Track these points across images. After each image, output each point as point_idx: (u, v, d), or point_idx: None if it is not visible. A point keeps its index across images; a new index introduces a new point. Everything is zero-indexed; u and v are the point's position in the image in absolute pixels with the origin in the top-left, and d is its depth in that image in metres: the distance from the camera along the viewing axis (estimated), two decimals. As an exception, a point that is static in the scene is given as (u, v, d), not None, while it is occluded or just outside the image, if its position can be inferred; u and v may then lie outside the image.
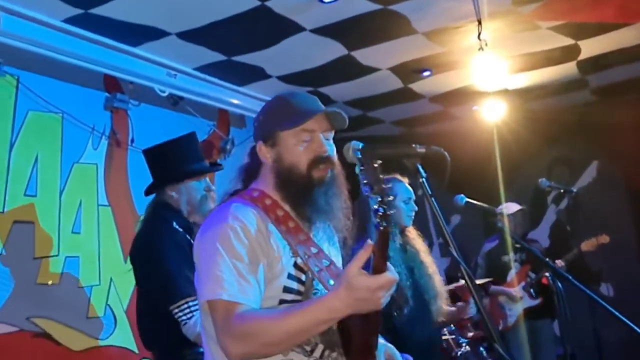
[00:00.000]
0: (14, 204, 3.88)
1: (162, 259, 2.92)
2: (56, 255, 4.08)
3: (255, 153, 2.03)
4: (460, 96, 6.44)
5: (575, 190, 5.50)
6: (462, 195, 3.94)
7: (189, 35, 4.43)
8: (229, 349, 1.72)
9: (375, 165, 1.81)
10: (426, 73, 5.76)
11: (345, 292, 1.64)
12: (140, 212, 4.68)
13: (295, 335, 1.72)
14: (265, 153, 1.99)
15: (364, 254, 1.67)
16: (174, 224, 3.05)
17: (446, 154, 2.02)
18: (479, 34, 4.83)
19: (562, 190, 5.52)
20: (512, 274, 5.65)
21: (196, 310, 2.76)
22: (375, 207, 1.70)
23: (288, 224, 1.93)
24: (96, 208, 4.43)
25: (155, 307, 2.99)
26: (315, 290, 1.90)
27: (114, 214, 4.54)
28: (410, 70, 5.65)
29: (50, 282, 4.03)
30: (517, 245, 5.04)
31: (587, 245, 5.46)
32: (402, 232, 3.47)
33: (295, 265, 1.89)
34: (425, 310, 3.40)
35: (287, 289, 1.86)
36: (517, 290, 5.58)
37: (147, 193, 3.35)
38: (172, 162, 3.25)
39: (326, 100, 6.12)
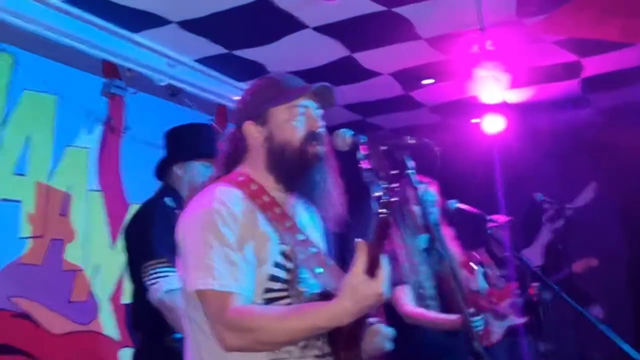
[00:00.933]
0: (2, 181, 3.84)
1: (146, 226, 2.92)
2: (41, 237, 4.03)
3: (237, 137, 1.99)
4: (460, 107, 6.42)
5: (570, 207, 5.47)
6: (454, 200, 3.92)
7: (190, 25, 4.40)
8: (226, 340, 1.69)
9: (381, 149, 1.80)
10: (428, 81, 5.73)
11: (350, 303, 1.61)
12: (131, 200, 4.65)
13: (292, 337, 1.71)
14: (255, 132, 1.94)
15: (361, 256, 1.62)
16: (166, 200, 3.06)
17: (436, 147, 2.00)
18: (481, 44, 4.81)
19: (557, 207, 5.50)
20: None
21: (164, 276, 2.73)
22: (379, 193, 1.65)
23: (274, 210, 1.88)
24: (86, 192, 4.39)
25: (138, 283, 2.97)
26: (300, 278, 1.86)
27: (105, 199, 4.50)
28: (411, 77, 5.63)
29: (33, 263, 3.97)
30: (504, 255, 4.99)
31: (577, 266, 5.42)
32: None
33: (282, 253, 1.84)
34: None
35: (273, 278, 1.82)
36: (503, 306, 5.52)
37: (158, 171, 3.29)
38: (188, 141, 3.25)
39: (326, 102, 6.08)
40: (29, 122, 4.04)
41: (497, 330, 5.53)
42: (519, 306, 5.33)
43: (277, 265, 1.82)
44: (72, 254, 4.21)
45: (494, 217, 4.87)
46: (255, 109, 1.95)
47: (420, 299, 3.45)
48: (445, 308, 3.41)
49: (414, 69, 5.43)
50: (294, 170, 1.91)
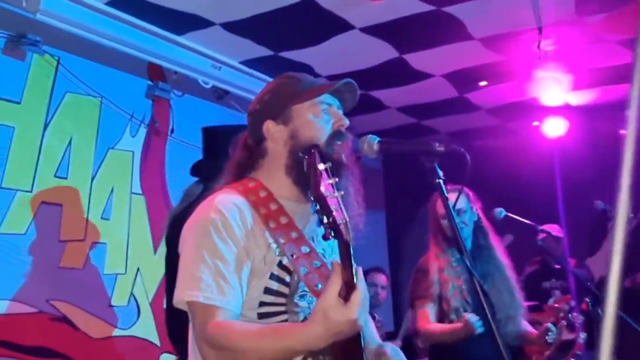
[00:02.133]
0: (43, 184, 3.85)
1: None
2: (82, 240, 4.03)
3: (254, 139, 1.87)
4: (520, 110, 6.17)
5: (636, 217, 5.16)
6: (501, 208, 3.74)
7: (234, 27, 4.33)
8: (204, 355, 1.63)
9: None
10: (483, 83, 5.53)
11: (321, 328, 1.48)
12: (175, 203, 4.61)
13: (268, 359, 1.59)
14: (275, 132, 1.81)
15: (335, 277, 1.49)
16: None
17: (466, 154, 1.85)
18: (539, 43, 4.58)
19: (620, 215, 5.19)
20: (551, 302, 5.35)
21: None
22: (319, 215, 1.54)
23: (279, 220, 1.75)
24: (129, 196, 4.37)
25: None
26: (303, 292, 1.74)
27: (147, 203, 4.47)
28: (465, 79, 5.43)
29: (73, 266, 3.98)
30: (557, 267, 4.74)
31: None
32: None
33: (280, 265, 1.72)
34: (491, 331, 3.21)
35: (268, 290, 1.71)
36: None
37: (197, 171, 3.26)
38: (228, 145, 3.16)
39: (378, 104, 5.96)
40: (71, 125, 4.05)
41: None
42: (573, 320, 5.08)
43: (273, 277, 1.71)
44: (113, 258, 4.20)
45: (546, 227, 4.64)
46: (276, 107, 1.82)
47: (443, 315, 3.30)
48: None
49: (468, 70, 5.23)
50: None
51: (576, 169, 6.30)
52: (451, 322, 3.26)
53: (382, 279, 5.44)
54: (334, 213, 1.52)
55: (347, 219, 1.54)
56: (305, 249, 1.75)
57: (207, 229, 1.68)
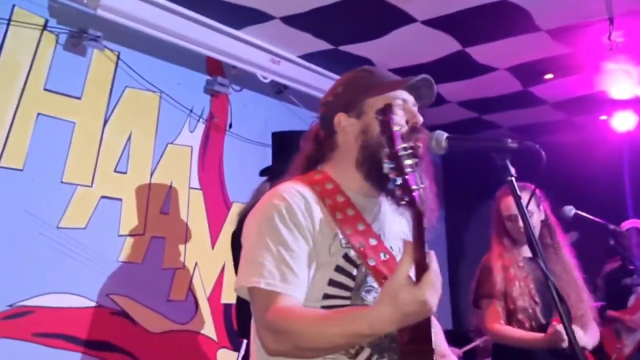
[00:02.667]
0: (103, 179, 3.87)
1: None
2: (142, 234, 4.04)
3: (325, 132, 1.82)
4: (587, 104, 5.94)
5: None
6: (570, 206, 3.59)
7: (293, 21, 4.28)
8: (265, 343, 1.57)
9: None
10: (548, 76, 5.34)
11: (390, 309, 1.41)
12: (234, 198, 4.61)
13: (332, 344, 1.52)
14: (347, 125, 1.77)
15: (406, 256, 1.43)
16: None
17: (541, 150, 1.74)
18: (610, 35, 4.38)
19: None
20: (632, 300, 5.17)
21: None
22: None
23: (346, 212, 1.70)
24: (187, 191, 4.37)
25: None
26: (369, 287, 1.67)
27: (205, 198, 4.47)
28: (530, 72, 5.25)
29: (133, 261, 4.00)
30: (631, 267, 4.57)
31: None
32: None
33: (346, 257, 1.66)
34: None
35: (332, 282, 1.64)
36: (635, 318, 5.10)
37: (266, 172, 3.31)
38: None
39: (438, 99, 5.80)
40: (131, 120, 4.06)
41: (629, 343, 5.14)
42: None
43: (339, 269, 1.65)
44: (172, 253, 4.21)
45: (623, 224, 4.48)
46: (349, 100, 1.78)
47: (510, 315, 3.18)
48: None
49: (534, 63, 5.05)
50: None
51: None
52: (519, 322, 3.14)
53: None
54: (408, 176, 1.45)
55: (422, 187, 1.48)
56: (372, 241, 1.69)
57: (271, 215, 1.64)
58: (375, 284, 1.67)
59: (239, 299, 3.02)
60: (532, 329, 3.13)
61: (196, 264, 4.34)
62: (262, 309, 1.56)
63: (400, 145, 1.48)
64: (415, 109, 1.78)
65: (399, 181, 1.46)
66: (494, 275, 3.22)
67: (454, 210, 7.22)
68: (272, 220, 1.63)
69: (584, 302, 3.19)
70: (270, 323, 1.54)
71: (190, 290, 4.30)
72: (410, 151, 1.50)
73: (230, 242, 3.30)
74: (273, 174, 3.22)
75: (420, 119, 1.77)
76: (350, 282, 1.65)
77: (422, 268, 1.43)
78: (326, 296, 1.64)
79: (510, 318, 3.19)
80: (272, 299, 1.56)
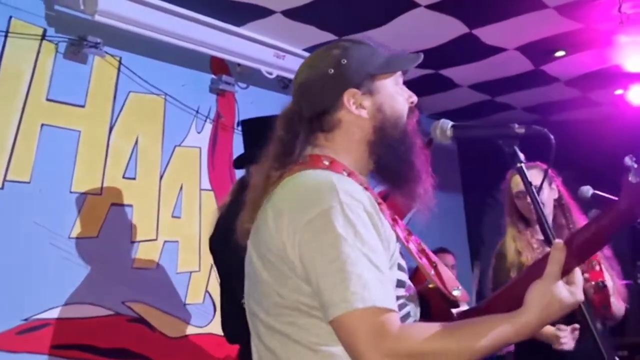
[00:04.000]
0: (112, 186, 3.84)
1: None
2: (154, 240, 4.01)
3: (307, 116, 1.60)
4: (601, 79, 5.82)
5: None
6: (588, 186, 3.49)
7: (295, 14, 4.21)
8: None
9: None
10: (560, 53, 5.23)
11: (547, 313, 1.36)
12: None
13: (477, 356, 1.35)
14: (362, 101, 1.59)
15: (558, 259, 1.38)
16: None
17: (551, 135, 1.67)
18: (620, 7, 4.27)
19: None
20: None
21: None
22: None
23: (376, 202, 1.52)
24: (198, 192, 4.33)
25: (234, 295, 2.84)
26: (410, 283, 1.58)
27: (217, 199, 4.42)
28: (541, 51, 5.15)
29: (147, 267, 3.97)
30: None
31: None
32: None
33: (401, 252, 1.55)
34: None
35: (399, 283, 1.50)
36: None
37: (240, 164, 3.14)
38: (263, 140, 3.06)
39: (449, 83, 5.73)
40: (136, 125, 4.02)
41: None
42: None
43: (400, 268, 1.54)
44: (186, 256, 4.18)
45: None
46: (360, 75, 1.59)
47: None
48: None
49: (543, 41, 4.95)
50: (403, 150, 1.60)
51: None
52: None
53: (450, 258, 5.53)
54: None
55: None
56: (404, 232, 1.59)
57: (347, 216, 1.37)
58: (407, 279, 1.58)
59: (227, 301, 2.96)
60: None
61: (212, 266, 4.28)
62: (376, 333, 1.29)
63: None
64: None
65: None
66: (507, 261, 3.14)
67: (473, 194, 7.15)
68: (350, 222, 1.37)
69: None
70: (398, 349, 1.29)
71: (208, 292, 4.26)
72: None
73: (210, 247, 3.14)
74: (250, 163, 2.98)
75: (416, 98, 1.68)
76: (406, 279, 1.55)
77: (568, 269, 1.40)
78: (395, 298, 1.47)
79: None
80: (386, 318, 1.31)
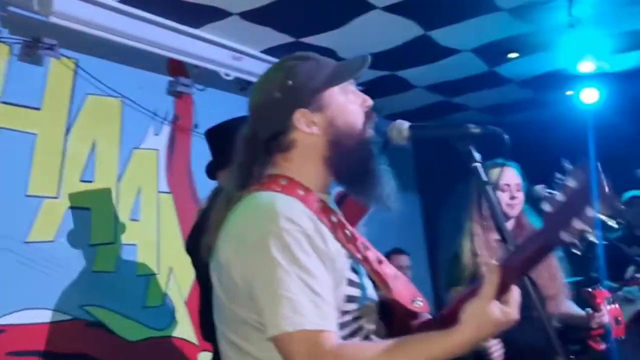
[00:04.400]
0: (69, 189, 3.80)
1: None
2: (112, 243, 3.98)
3: (262, 138, 1.64)
4: (552, 80, 5.96)
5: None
6: (541, 185, 3.58)
7: (252, 16, 4.22)
8: None
9: None
10: (513, 55, 5.34)
11: (479, 332, 1.39)
12: (204, 199, 4.54)
13: None
14: (312, 120, 1.61)
15: (493, 279, 1.40)
16: None
17: (505, 135, 1.71)
18: (570, 9, 4.38)
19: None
20: (630, 271, 5.23)
21: None
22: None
23: (331, 218, 1.58)
24: (156, 195, 4.31)
25: (207, 296, 2.86)
26: (365, 292, 1.60)
27: (175, 201, 4.41)
28: (495, 52, 5.25)
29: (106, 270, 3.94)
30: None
31: None
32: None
33: (352, 268, 1.58)
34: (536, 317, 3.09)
35: (349, 298, 1.55)
36: (632, 290, 5.16)
37: (211, 173, 3.19)
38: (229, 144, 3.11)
39: (405, 84, 5.80)
40: (94, 127, 3.99)
41: (623, 314, 5.21)
42: None
43: (351, 283, 1.56)
44: (145, 259, 4.15)
45: None
46: (306, 94, 1.61)
47: None
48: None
49: (497, 43, 5.04)
50: (360, 157, 1.63)
51: (613, 137, 6.10)
52: None
53: (405, 259, 5.50)
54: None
55: None
56: (363, 246, 1.63)
57: (284, 241, 1.43)
58: (369, 284, 1.63)
59: (203, 302, 2.99)
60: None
61: (171, 268, 4.28)
62: (312, 354, 1.37)
63: None
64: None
65: None
66: (461, 263, 3.14)
67: (429, 193, 7.23)
68: (287, 247, 1.42)
69: (557, 280, 3.18)
70: None
71: (167, 295, 4.25)
72: None
73: (188, 248, 3.19)
74: (219, 170, 3.09)
75: (371, 101, 1.70)
76: (359, 293, 1.58)
77: (505, 289, 1.42)
78: (343, 313, 1.54)
79: None
80: (320, 339, 1.38)
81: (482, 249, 3.14)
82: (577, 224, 1.37)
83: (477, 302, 1.39)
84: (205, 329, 3.11)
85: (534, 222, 3.44)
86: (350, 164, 1.63)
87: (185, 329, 4.27)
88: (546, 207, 1.47)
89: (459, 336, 1.38)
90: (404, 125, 1.71)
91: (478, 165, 1.70)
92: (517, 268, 1.43)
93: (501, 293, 1.40)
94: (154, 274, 4.19)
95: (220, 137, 3.14)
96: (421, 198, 7.32)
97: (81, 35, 3.78)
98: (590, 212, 1.36)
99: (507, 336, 3.00)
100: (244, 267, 1.47)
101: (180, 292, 4.30)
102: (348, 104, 1.65)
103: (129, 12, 3.93)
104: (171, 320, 4.22)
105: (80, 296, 3.76)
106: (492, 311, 1.37)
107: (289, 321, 1.37)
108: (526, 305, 1.66)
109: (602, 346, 3.26)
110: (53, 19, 3.58)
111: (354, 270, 1.59)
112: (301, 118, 1.61)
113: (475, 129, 1.68)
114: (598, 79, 5.81)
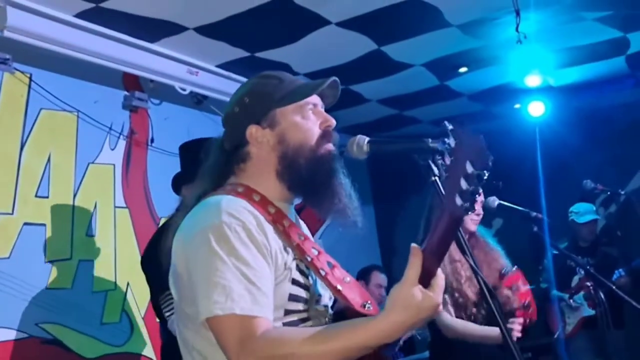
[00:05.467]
0: (24, 205, 3.75)
1: (160, 255, 2.80)
2: (69, 259, 3.94)
3: (226, 148, 1.76)
4: (501, 94, 6.13)
5: (623, 193, 5.18)
6: (494, 197, 3.69)
7: (208, 30, 4.24)
8: None
9: None
10: (463, 69, 5.48)
11: (404, 316, 1.39)
12: (161, 214, 4.54)
13: None
14: (261, 136, 1.71)
15: (415, 262, 1.41)
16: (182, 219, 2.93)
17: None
18: (517, 26, 4.52)
19: (609, 193, 5.24)
20: (576, 279, 5.39)
21: None
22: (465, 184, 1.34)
23: (283, 223, 1.65)
24: (113, 210, 4.28)
25: (160, 314, 2.88)
26: (319, 296, 1.67)
27: (132, 216, 4.39)
28: (445, 67, 5.38)
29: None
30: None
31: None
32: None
33: (299, 269, 1.63)
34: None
35: (292, 297, 1.60)
36: (576, 298, 5.32)
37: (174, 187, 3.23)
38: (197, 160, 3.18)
39: (359, 98, 5.89)
40: (49, 142, 3.96)
41: (572, 322, 5.33)
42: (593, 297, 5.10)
43: (295, 282, 1.62)
44: (102, 275, 4.12)
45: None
46: (259, 110, 1.73)
47: (458, 308, 3.19)
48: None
49: (448, 57, 5.17)
50: (311, 173, 1.70)
51: (559, 148, 6.30)
52: (471, 315, 3.15)
53: (384, 278, 5.29)
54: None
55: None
56: (315, 251, 1.67)
57: (224, 233, 1.51)
58: (326, 293, 1.69)
59: (161, 324, 3.00)
60: (481, 324, 3.16)
61: (128, 283, 4.25)
62: (243, 337, 1.43)
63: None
64: (323, 110, 1.78)
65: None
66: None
67: (384, 204, 7.32)
68: (227, 239, 1.51)
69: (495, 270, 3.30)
70: (260, 350, 1.42)
71: (124, 311, 4.22)
72: None
73: (145, 261, 3.21)
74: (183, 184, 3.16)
75: (333, 122, 1.76)
76: (306, 294, 1.63)
77: (430, 274, 1.42)
78: (287, 312, 1.60)
79: (460, 311, 3.16)
80: (251, 324, 1.45)
81: (458, 256, 3.20)
82: (463, 184, 1.33)
83: (400, 287, 1.40)
84: (162, 348, 3.17)
85: (487, 238, 3.57)
86: (300, 179, 1.70)
87: (143, 345, 4.24)
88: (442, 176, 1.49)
89: (383, 321, 1.40)
90: (364, 140, 1.75)
91: (437, 179, 1.76)
92: (435, 250, 1.43)
93: (426, 278, 1.41)
94: (111, 290, 4.15)
95: (189, 152, 3.21)
96: (376, 209, 7.41)
97: (35, 49, 3.75)
98: (469, 168, 1.33)
99: (471, 346, 3.12)
100: (187, 258, 1.57)
101: (137, 308, 4.27)
102: (301, 121, 1.72)
103: (84, 26, 3.91)
104: (129, 336, 4.19)
105: (37, 314, 3.71)
106: (415, 295, 1.38)
107: (220, 305, 1.45)
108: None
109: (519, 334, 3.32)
110: (7, 34, 3.55)
111: (302, 272, 1.64)
112: (253, 133, 1.71)
113: (433, 143, 1.74)
114: (544, 93, 6.01)
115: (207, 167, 1.79)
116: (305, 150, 1.71)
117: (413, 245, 1.44)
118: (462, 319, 3.17)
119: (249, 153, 1.73)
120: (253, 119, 1.72)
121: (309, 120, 1.73)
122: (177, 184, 3.17)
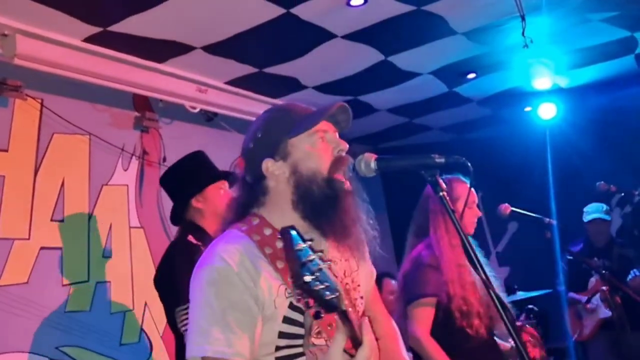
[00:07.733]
0: (40, 230, 3.78)
1: (172, 270, 2.94)
2: (86, 281, 3.97)
3: (254, 179, 1.81)
4: (510, 98, 6.13)
5: (638, 193, 5.16)
6: (506, 204, 3.69)
7: (215, 49, 4.28)
8: None
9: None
10: (471, 75, 5.49)
11: None
12: (174, 232, 4.55)
13: None
14: (276, 170, 1.76)
15: (339, 334, 1.51)
16: (189, 237, 3.03)
17: (468, 163, 1.80)
18: (523, 31, 4.53)
19: (623, 194, 5.22)
20: (592, 282, 5.36)
21: None
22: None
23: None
24: (128, 230, 4.31)
25: (175, 330, 2.91)
26: (319, 329, 1.68)
27: (147, 236, 4.42)
28: (453, 73, 5.39)
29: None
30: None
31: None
32: None
33: (292, 306, 1.67)
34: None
35: (282, 334, 1.66)
36: (593, 300, 5.29)
37: (174, 215, 3.27)
38: (195, 172, 3.26)
39: (368, 108, 5.91)
40: (62, 166, 3.99)
41: (588, 324, 5.30)
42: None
43: (287, 320, 1.67)
44: (119, 296, 4.14)
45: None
46: (271, 143, 1.78)
47: (462, 317, 3.07)
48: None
49: (455, 64, 5.18)
50: (324, 201, 1.73)
51: (571, 151, 6.28)
52: (474, 326, 3.06)
53: (395, 285, 5.30)
54: (325, 297, 1.42)
55: (340, 290, 1.45)
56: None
57: (212, 278, 1.63)
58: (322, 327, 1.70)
59: (176, 339, 3.02)
60: (482, 336, 3.10)
61: (145, 303, 4.27)
62: None
63: (306, 270, 1.41)
64: (336, 136, 1.82)
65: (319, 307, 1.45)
66: (444, 273, 3.11)
67: (397, 210, 7.32)
68: (214, 284, 1.63)
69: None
70: None
71: (143, 331, 4.24)
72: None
73: (157, 279, 3.25)
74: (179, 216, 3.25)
75: (346, 146, 1.80)
76: (299, 330, 1.66)
77: (356, 342, 1.51)
78: (278, 348, 1.66)
79: (462, 320, 3.07)
80: None
81: (464, 263, 3.10)
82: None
83: (325, 357, 1.53)
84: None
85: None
86: (313, 207, 1.74)
87: (162, 364, 4.26)
88: None
89: None
90: (371, 158, 1.78)
91: (444, 194, 1.77)
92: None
93: (357, 345, 1.51)
94: (129, 310, 4.17)
95: (170, 182, 3.29)
96: (389, 216, 7.41)
97: (46, 75, 3.80)
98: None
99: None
100: (190, 291, 1.70)
101: (156, 327, 4.29)
102: (312, 150, 1.76)
103: (92, 50, 3.97)
104: (148, 355, 4.21)
105: (57, 337, 3.74)
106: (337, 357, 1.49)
107: (198, 347, 1.60)
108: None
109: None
110: (17, 61, 3.60)
111: (295, 309, 1.66)
112: (269, 167, 1.77)
113: (439, 159, 1.76)
114: (555, 95, 6.00)
115: (233, 201, 1.87)
116: (317, 179, 1.74)
117: (335, 318, 1.52)
118: (464, 327, 3.07)
119: (267, 186, 1.79)
120: (267, 153, 1.77)
121: (319, 148, 1.76)
122: (174, 218, 3.23)
